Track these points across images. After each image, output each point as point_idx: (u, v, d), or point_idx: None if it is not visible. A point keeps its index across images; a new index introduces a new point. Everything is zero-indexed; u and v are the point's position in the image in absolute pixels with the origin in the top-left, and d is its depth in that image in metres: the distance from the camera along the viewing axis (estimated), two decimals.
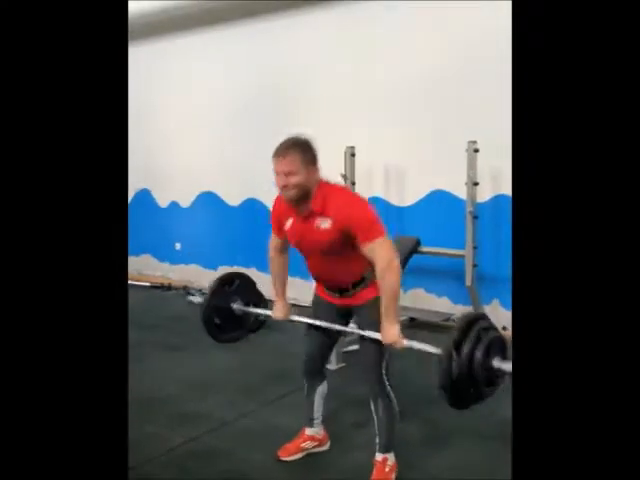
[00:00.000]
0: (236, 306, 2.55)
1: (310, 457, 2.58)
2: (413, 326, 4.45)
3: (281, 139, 2.15)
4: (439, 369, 1.83)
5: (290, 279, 2.53)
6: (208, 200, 6.03)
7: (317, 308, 2.40)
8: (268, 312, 2.52)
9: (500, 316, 4.30)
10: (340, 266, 2.20)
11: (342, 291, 2.26)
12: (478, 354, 1.81)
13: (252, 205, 5.56)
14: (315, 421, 2.58)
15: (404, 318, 4.39)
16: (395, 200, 4.80)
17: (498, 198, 4.24)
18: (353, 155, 4.39)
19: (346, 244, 2.10)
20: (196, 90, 5.93)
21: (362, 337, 2.27)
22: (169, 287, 6.07)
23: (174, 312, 5.16)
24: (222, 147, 5.76)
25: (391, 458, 2.35)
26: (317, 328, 2.38)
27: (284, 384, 3.34)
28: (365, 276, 2.20)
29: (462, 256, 4.00)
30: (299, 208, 2.14)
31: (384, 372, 2.27)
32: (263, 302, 2.64)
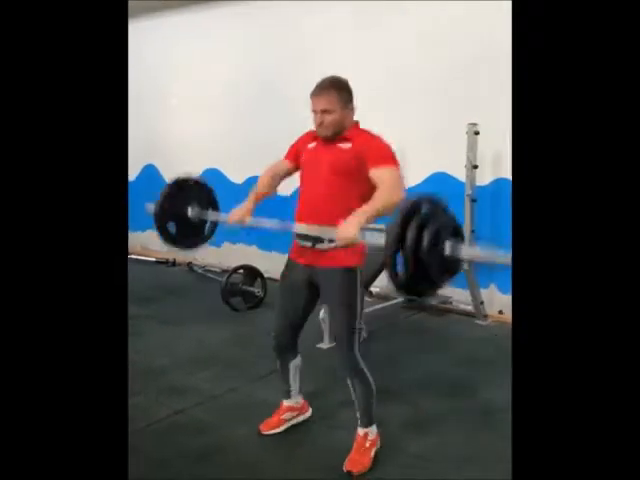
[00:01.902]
0: (191, 211, 2.46)
1: (294, 433, 2.61)
2: (411, 307, 4.46)
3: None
4: (385, 267, 1.65)
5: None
6: (212, 177, 6.03)
7: (285, 282, 2.38)
8: (224, 215, 2.41)
9: (497, 300, 4.30)
10: (334, 194, 2.13)
11: (316, 239, 2.18)
12: (424, 243, 1.60)
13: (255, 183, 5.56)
14: (292, 392, 2.60)
15: (400, 299, 4.40)
16: None
17: (499, 181, 4.20)
18: None
19: (356, 170, 2.09)
20: (201, 68, 5.92)
21: (331, 315, 2.28)
22: (174, 263, 6.13)
23: (176, 287, 5.22)
24: (226, 124, 5.75)
25: (372, 432, 2.37)
26: (286, 305, 2.38)
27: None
28: None
29: None
30: (330, 141, 2.19)
31: (356, 348, 2.25)
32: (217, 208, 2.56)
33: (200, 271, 5.64)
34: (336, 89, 2.17)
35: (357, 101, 4.78)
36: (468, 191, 3.89)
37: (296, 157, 2.33)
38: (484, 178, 4.22)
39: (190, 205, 2.48)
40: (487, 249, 1.69)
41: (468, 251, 1.69)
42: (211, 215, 2.49)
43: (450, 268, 1.71)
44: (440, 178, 4.52)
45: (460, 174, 4.24)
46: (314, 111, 2.16)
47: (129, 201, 6.16)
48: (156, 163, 6.59)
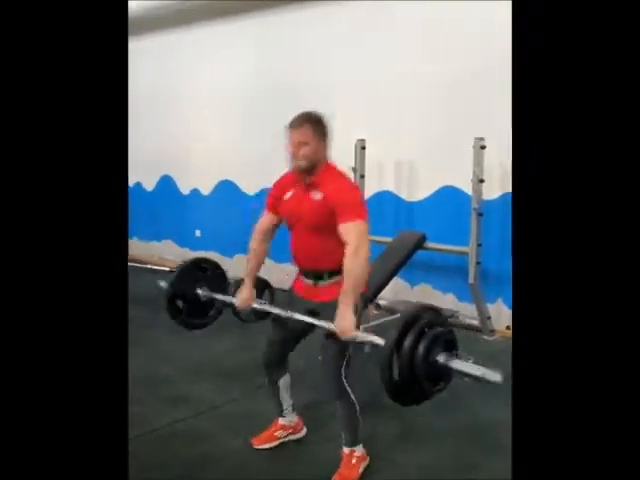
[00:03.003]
0: (201, 292, 2.58)
1: (286, 445, 2.63)
2: None
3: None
4: (379, 363, 1.80)
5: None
6: (227, 188, 6.13)
7: (287, 303, 2.43)
8: (232, 299, 2.51)
9: (504, 315, 4.28)
10: (322, 246, 2.22)
11: (317, 277, 2.28)
12: (420, 349, 1.77)
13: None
14: (285, 411, 2.62)
15: None
16: (405, 195, 4.79)
17: (507, 196, 4.20)
18: (363, 148, 4.42)
19: (331, 224, 2.14)
20: (217, 80, 6.03)
21: (325, 336, 2.25)
22: None
23: None
24: (240, 136, 5.85)
25: (358, 450, 2.38)
26: (282, 323, 2.40)
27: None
28: (342, 268, 2.21)
29: (466, 253, 3.98)
30: (304, 179, 2.24)
31: (343, 373, 2.27)
32: (228, 290, 2.63)
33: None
34: (312, 123, 2.22)
35: (370, 114, 4.83)
36: (474, 205, 3.89)
37: (275, 207, 2.38)
38: (493, 192, 4.22)
39: (200, 285, 2.59)
40: (479, 367, 1.79)
41: (459, 365, 1.80)
42: (219, 297, 2.58)
43: (441, 379, 1.85)
44: (449, 192, 4.52)
45: (469, 188, 4.25)
46: (291, 143, 2.20)
47: (146, 211, 6.31)
48: (172, 174, 6.70)
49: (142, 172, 6.90)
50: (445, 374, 1.82)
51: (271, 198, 2.40)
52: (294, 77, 5.36)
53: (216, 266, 2.68)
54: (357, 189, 2.28)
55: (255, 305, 2.46)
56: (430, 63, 4.50)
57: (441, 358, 1.79)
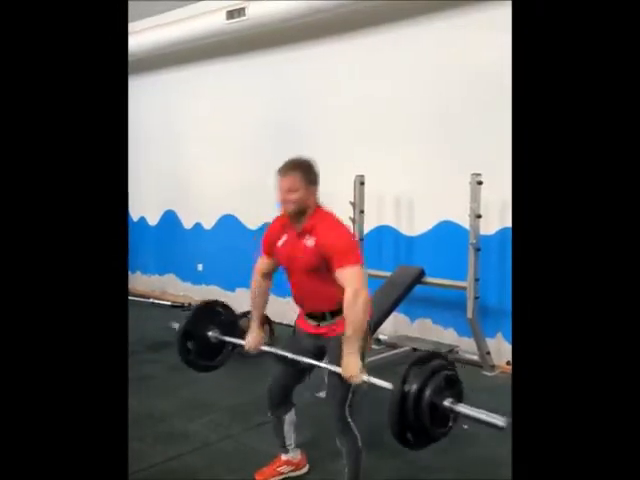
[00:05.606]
0: (212, 334, 2.60)
1: None
2: None
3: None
4: (389, 406, 1.85)
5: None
6: (229, 223, 6.19)
7: (292, 340, 2.46)
8: (242, 342, 2.54)
9: (504, 350, 4.25)
10: (320, 289, 2.25)
11: (319, 319, 2.31)
12: (427, 393, 1.83)
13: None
14: (289, 447, 2.60)
15: (407, 348, 4.38)
16: (405, 229, 4.82)
17: (505, 231, 4.21)
18: (362, 184, 4.47)
19: (326, 267, 2.17)
20: (220, 118, 6.13)
21: (329, 372, 2.26)
22: (189, 307, 6.20)
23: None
24: (242, 172, 5.92)
25: None
26: (286, 360, 2.40)
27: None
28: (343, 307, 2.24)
29: (464, 288, 3.98)
30: (295, 224, 2.26)
31: (347, 409, 2.27)
32: (239, 333, 2.65)
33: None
34: (301, 169, 2.23)
35: (369, 149, 4.89)
36: (472, 240, 3.91)
37: (270, 252, 2.42)
38: (491, 227, 4.24)
39: (211, 328, 2.60)
40: (483, 411, 1.84)
41: (464, 409, 1.86)
42: (229, 339, 2.60)
43: (446, 423, 1.89)
44: (448, 227, 4.54)
45: (468, 223, 4.27)
46: (280, 189, 2.23)
47: (149, 246, 6.35)
48: (176, 209, 6.77)
49: (146, 207, 6.99)
50: (450, 418, 1.87)
51: (265, 243, 2.43)
52: (295, 114, 5.46)
53: (230, 310, 2.70)
54: (349, 233, 2.31)
55: (264, 348, 2.48)
56: (428, 100, 4.58)
57: (447, 402, 1.84)
